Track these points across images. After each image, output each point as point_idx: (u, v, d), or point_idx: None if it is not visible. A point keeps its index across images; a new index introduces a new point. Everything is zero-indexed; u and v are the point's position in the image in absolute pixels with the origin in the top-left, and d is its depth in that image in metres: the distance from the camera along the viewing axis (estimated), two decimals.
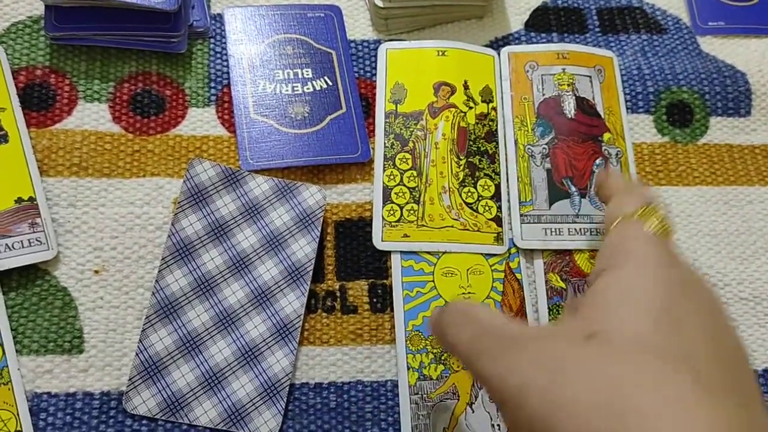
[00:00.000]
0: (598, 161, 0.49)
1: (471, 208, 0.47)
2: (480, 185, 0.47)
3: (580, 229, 0.47)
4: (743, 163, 0.51)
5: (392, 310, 0.44)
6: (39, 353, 0.40)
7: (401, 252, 0.45)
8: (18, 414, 0.39)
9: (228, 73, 0.48)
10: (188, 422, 0.40)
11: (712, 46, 0.55)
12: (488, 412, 0.42)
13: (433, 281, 0.45)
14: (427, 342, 0.43)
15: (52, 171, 0.44)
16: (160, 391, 0.40)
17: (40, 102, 0.46)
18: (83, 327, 0.41)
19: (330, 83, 0.49)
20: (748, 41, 0.55)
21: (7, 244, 0.41)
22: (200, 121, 0.47)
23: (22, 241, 0.41)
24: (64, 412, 0.40)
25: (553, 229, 0.46)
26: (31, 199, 0.42)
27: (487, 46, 0.52)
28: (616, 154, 0.49)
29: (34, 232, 0.42)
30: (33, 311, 0.41)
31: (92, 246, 0.43)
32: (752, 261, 0.48)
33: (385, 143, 0.48)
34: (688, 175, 0.50)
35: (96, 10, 0.46)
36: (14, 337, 0.40)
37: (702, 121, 0.52)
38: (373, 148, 0.48)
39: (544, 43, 0.53)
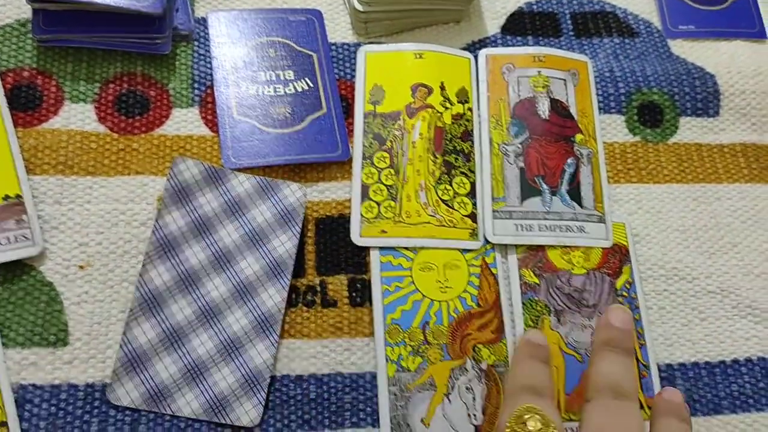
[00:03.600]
0: (569, 161, 0.50)
1: (447, 204, 0.48)
2: (456, 183, 0.49)
3: (550, 225, 0.48)
4: (712, 162, 0.53)
5: (371, 304, 0.45)
6: (24, 346, 0.41)
7: (380, 248, 0.47)
8: (3, 405, 0.40)
9: (211, 74, 0.50)
10: (171, 413, 0.41)
11: (682, 49, 0.57)
12: (464, 403, 0.44)
13: (411, 276, 0.46)
14: (405, 335, 0.45)
15: (39, 169, 0.45)
16: (143, 383, 0.41)
17: (27, 102, 0.47)
18: (68, 320, 0.42)
19: (311, 85, 0.50)
20: (717, 44, 0.57)
21: None
22: (184, 121, 0.48)
23: (8, 237, 0.42)
24: (48, 403, 0.40)
25: (524, 225, 0.48)
26: (18, 197, 0.43)
27: (464, 49, 0.54)
28: (588, 154, 0.51)
29: (20, 228, 0.43)
30: (19, 305, 0.42)
31: (77, 242, 0.44)
32: (720, 255, 0.50)
33: (363, 142, 0.49)
34: (659, 173, 0.52)
35: (82, 13, 0.47)
36: (0, 331, 0.41)
37: (672, 121, 0.54)
38: (353, 148, 0.49)
39: (519, 46, 0.55)
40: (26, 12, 0.49)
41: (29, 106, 0.47)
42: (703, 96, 0.55)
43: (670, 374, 0.46)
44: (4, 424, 0.39)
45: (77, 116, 0.47)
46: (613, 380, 0.39)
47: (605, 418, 0.38)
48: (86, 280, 0.43)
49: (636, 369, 0.42)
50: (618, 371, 0.39)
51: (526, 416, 0.37)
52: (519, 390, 0.39)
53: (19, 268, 0.43)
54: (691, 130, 0.54)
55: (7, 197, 0.43)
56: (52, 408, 0.40)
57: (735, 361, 0.47)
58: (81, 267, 0.44)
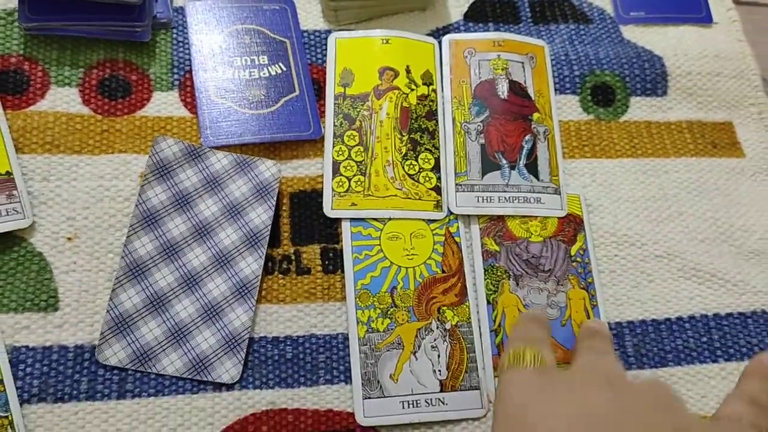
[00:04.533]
0: (527, 137, 0.54)
1: (413, 178, 0.51)
2: (421, 158, 0.52)
3: (509, 197, 0.52)
4: (660, 138, 0.57)
5: (343, 271, 0.49)
6: (17, 311, 0.44)
7: (350, 219, 0.50)
8: None
9: (190, 60, 0.53)
10: (156, 372, 0.44)
11: (633, 34, 0.60)
12: (429, 359, 0.47)
13: (379, 245, 0.50)
14: (375, 299, 0.48)
15: (27, 149, 0.48)
16: (129, 344, 0.44)
17: (15, 87, 0.50)
18: (58, 288, 0.45)
19: (284, 69, 0.54)
20: (665, 29, 0.61)
21: None
22: (164, 104, 0.51)
23: (0, 211, 0.45)
24: (41, 363, 0.43)
25: (484, 197, 0.52)
26: (8, 173, 0.46)
27: (429, 35, 0.57)
28: (544, 132, 0.55)
29: (11, 202, 0.46)
30: (11, 274, 0.45)
31: (65, 216, 0.47)
32: (666, 223, 0.54)
33: (334, 122, 0.52)
34: (611, 148, 0.56)
35: (66, 2, 0.50)
36: None
37: (623, 101, 0.58)
38: (324, 127, 0.52)
39: (481, 32, 0.58)
40: (12, 1, 0.51)
41: (17, 90, 0.49)
42: (652, 77, 0.58)
43: (620, 331, 0.50)
44: (0, 382, 0.42)
45: (63, 99, 0.50)
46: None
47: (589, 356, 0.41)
48: (74, 251, 0.46)
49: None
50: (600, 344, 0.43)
51: (524, 350, 0.39)
52: (517, 340, 0.42)
53: (11, 240, 0.46)
54: (641, 109, 0.58)
55: None
56: (44, 368, 0.43)
57: (679, 319, 0.51)
58: (69, 239, 0.46)
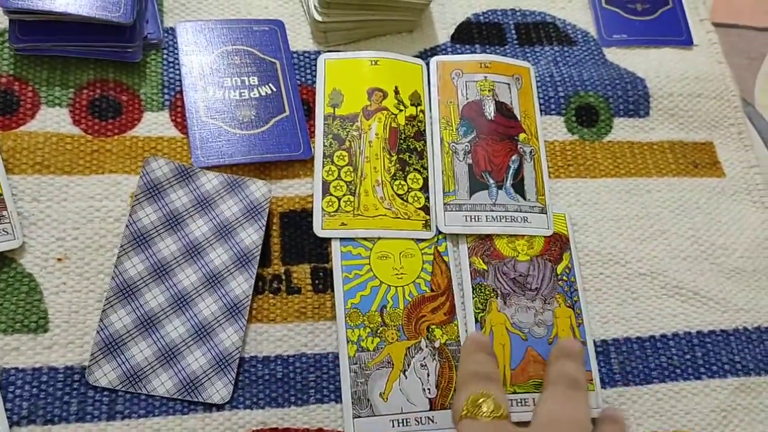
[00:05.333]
0: (513, 157, 0.55)
1: (402, 198, 0.52)
2: (410, 179, 0.53)
3: (497, 216, 0.53)
4: (642, 158, 0.58)
5: (333, 290, 0.49)
6: (6, 333, 0.44)
7: (340, 239, 0.50)
8: None
9: (180, 80, 0.53)
10: (146, 392, 0.44)
11: (615, 56, 0.62)
12: (419, 378, 0.48)
13: (369, 264, 0.50)
14: (365, 318, 0.48)
15: (17, 169, 0.48)
16: (120, 365, 0.44)
17: (5, 107, 0.50)
18: (48, 309, 0.45)
19: (274, 89, 0.54)
20: (647, 51, 0.63)
21: None
22: (155, 124, 0.52)
23: None
24: (30, 385, 0.43)
25: (472, 216, 0.52)
26: None
27: (416, 56, 0.58)
28: (530, 152, 0.56)
29: (0, 223, 0.45)
30: (1, 295, 0.45)
31: (55, 236, 0.47)
32: (650, 242, 0.55)
33: (324, 142, 0.53)
34: (595, 168, 0.57)
35: (57, 23, 0.50)
36: None
37: (606, 122, 0.59)
38: (314, 147, 0.53)
39: (468, 54, 0.59)
40: (3, 22, 0.52)
41: (7, 110, 0.50)
42: (634, 98, 0.60)
43: (605, 348, 0.51)
44: None
45: (53, 119, 0.50)
46: (568, 373, 0.46)
47: (558, 404, 0.44)
48: (64, 272, 0.46)
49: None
50: (572, 368, 0.46)
51: (480, 400, 0.43)
52: (471, 377, 0.45)
53: (1, 261, 0.46)
54: (624, 130, 0.59)
55: None
56: (34, 390, 0.43)
57: (663, 336, 0.52)
58: (59, 259, 0.47)
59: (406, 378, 0.47)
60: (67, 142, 0.50)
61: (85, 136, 0.50)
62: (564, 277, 0.52)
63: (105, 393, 0.44)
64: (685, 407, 0.49)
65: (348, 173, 0.52)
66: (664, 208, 0.56)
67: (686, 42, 0.64)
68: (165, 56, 0.54)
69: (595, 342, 0.51)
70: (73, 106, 0.51)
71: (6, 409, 0.42)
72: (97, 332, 0.45)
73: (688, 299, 0.53)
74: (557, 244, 0.53)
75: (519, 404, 0.48)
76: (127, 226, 0.48)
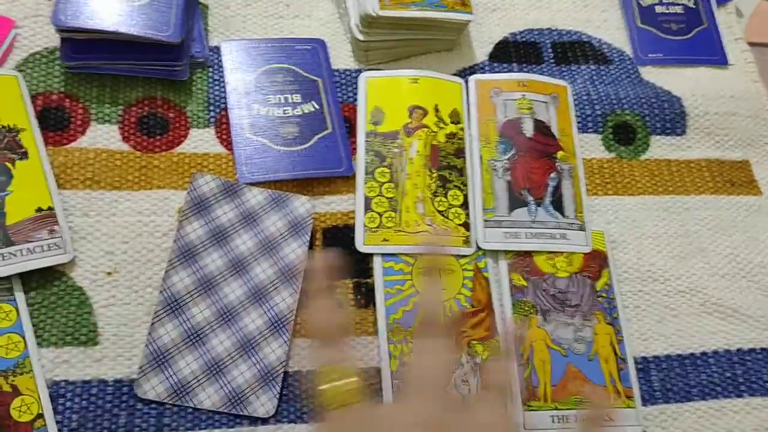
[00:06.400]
0: (552, 175, 0.55)
1: (442, 215, 0.53)
2: (450, 195, 0.53)
3: (536, 233, 0.53)
4: (680, 176, 0.58)
5: (374, 305, 0.50)
6: (57, 345, 0.45)
7: (382, 254, 0.51)
8: (39, 399, 0.43)
9: (225, 98, 0.54)
10: (193, 406, 0.45)
11: (651, 74, 0.62)
12: (461, 394, 0.48)
13: (411, 280, 0.51)
14: (407, 333, 0.49)
15: (68, 184, 0.49)
16: (167, 378, 0.45)
17: (57, 123, 0.51)
18: (97, 322, 0.46)
19: (317, 107, 0.55)
20: (683, 70, 0.63)
21: (28, 248, 0.45)
22: (201, 140, 0.53)
23: (42, 246, 0.46)
24: (80, 398, 0.44)
25: (512, 233, 0.53)
26: (50, 209, 0.47)
27: (455, 74, 0.59)
28: (568, 170, 0.56)
29: (52, 237, 0.46)
30: (52, 308, 0.46)
31: (104, 250, 0.48)
32: (689, 259, 0.55)
33: (366, 159, 0.54)
34: (633, 186, 0.57)
35: (107, 42, 0.52)
36: (35, 332, 0.45)
37: (643, 140, 0.59)
38: (356, 164, 0.54)
39: (505, 72, 0.60)
40: (54, 40, 0.53)
41: (58, 126, 0.51)
42: (671, 117, 0.60)
43: (645, 366, 0.51)
44: (41, 416, 0.43)
45: (103, 136, 0.51)
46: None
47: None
48: (113, 285, 0.47)
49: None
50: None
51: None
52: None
53: (52, 275, 0.47)
54: (660, 148, 0.59)
55: (40, 209, 0.47)
56: (84, 402, 0.44)
57: (704, 354, 0.52)
58: (109, 273, 0.47)
59: None
60: (116, 158, 0.51)
61: (133, 152, 0.51)
62: (603, 294, 0.52)
63: (153, 406, 0.45)
64: (726, 425, 0.49)
65: (389, 190, 0.53)
66: (702, 226, 0.56)
67: (721, 61, 0.64)
68: (210, 74, 0.55)
69: (635, 359, 0.51)
70: (122, 123, 0.52)
71: (56, 422, 0.43)
72: (146, 345, 0.46)
73: (727, 317, 0.53)
74: (596, 261, 0.53)
75: (560, 421, 0.48)
76: (174, 240, 0.48)
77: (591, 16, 0.64)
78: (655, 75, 0.62)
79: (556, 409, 0.48)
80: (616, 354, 0.51)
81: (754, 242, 0.56)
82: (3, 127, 0.48)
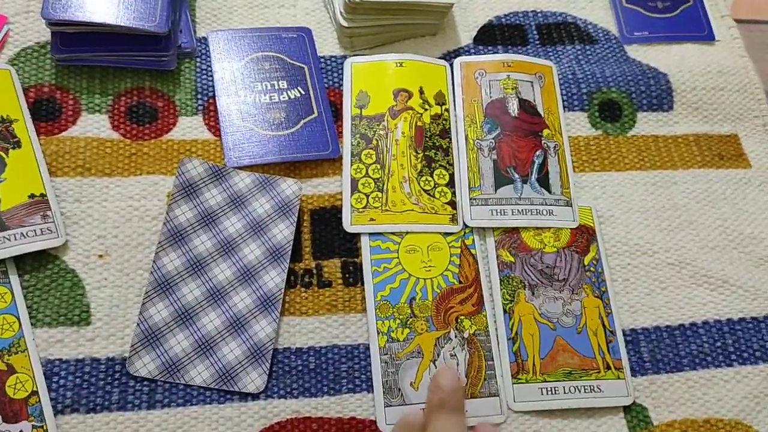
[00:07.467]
0: (538, 152, 0.56)
1: (428, 194, 0.53)
2: (436, 174, 0.54)
3: (522, 209, 0.53)
4: (668, 151, 0.58)
5: (362, 284, 0.50)
6: (51, 326, 0.46)
7: (369, 234, 0.52)
8: (34, 377, 0.44)
9: (213, 86, 0.55)
10: (184, 382, 0.46)
11: (637, 52, 0.63)
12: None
13: (398, 257, 0.51)
14: (394, 310, 0.49)
15: (60, 172, 0.50)
16: (159, 356, 0.46)
17: (48, 114, 0.52)
18: (90, 303, 0.47)
19: (303, 92, 0.56)
20: (669, 47, 0.63)
21: (22, 233, 0.47)
22: (189, 128, 0.54)
23: (35, 230, 0.47)
24: (74, 375, 0.45)
25: (498, 210, 0.53)
26: (42, 195, 0.48)
27: (440, 58, 0.60)
28: (554, 147, 0.56)
29: (45, 222, 0.48)
30: (45, 290, 0.47)
31: (96, 235, 0.49)
32: (677, 232, 0.55)
33: (352, 142, 0.55)
34: (620, 162, 0.57)
35: (96, 34, 0.53)
36: (29, 312, 0.46)
37: (630, 116, 0.59)
38: (342, 146, 0.54)
39: (491, 54, 0.61)
40: (45, 35, 0.54)
41: (50, 117, 0.52)
42: (657, 93, 0.60)
43: (634, 337, 0.51)
44: (35, 393, 0.44)
45: (93, 125, 0.52)
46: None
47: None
48: (105, 268, 0.48)
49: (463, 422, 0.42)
50: (449, 428, 0.41)
51: None
52: None
53: (45, 258, 0.48)
54: (647, 124, 0.59)
55: (32, 196, 0.48)
56: (77, 379, 0.45)
57: (693, 324, 0.52)
58: (100, 256, 0.49)
59: (436, 367, 0.48)
60: (106, 146, 0.52)
61: (123, 140, 0.52)
62: (591, 268, 0.53)
63: (145, 383, 0.46)
64: (717, 394, 0.49)
65: (375, 171, 0.53)
66: (690, 199, 0.56)
67: (708, 37, 0.64)
68: (198, 64, 0.56)
69: (624, 331, 0.51)
70: (112, 113, 0.53)
71: (51, 399, 0.44)
72: (137, 325, 0.47)
73: (717, 288, 0.53)
74: (584, 236, 0.54)
75: (549, 392, 0.48)
76: (164, 223, 0.49)
77: None
78: (641, 53, 0.63)
79: (545, 381, 0.49)
80: (604, 327, 0.51)
81: (744, 214, 0.56)
82: None
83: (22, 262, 0.47)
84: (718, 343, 0.51)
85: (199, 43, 0.57)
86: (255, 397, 0.46)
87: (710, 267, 0.54)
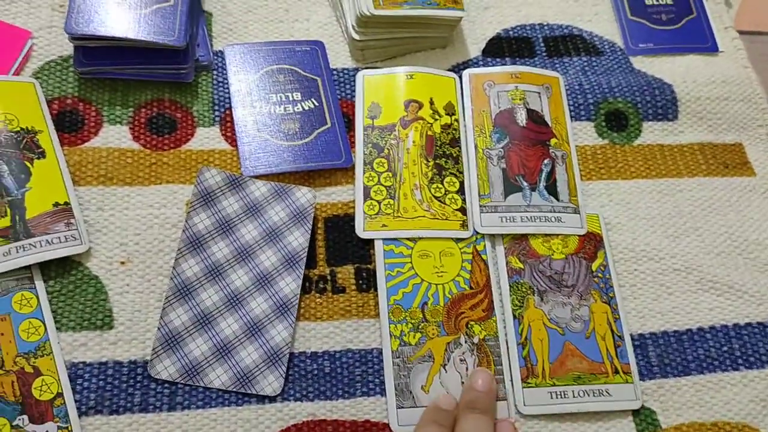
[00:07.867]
0: (546, 161, 0.57)
1: (439, 201, 0.55)
2: (446, 182, 0.55)
3: (531, 217, 0.55)
4: (673, 160, 0.60)
5: (376, 289, 0.52)
6: (75, 330, 0.47)
7: (382, 239, 0.53)
8: (59, 379, 0.45)
9: (229, 98, 0.57)
10: (204, 385, 0.47)
11: (642, 64, 0.64)
12: (458, 372, 0.49)
13: (410, 262, 0.52)
14: (406, 314, 0.51)
15: (83, 181, 0.52)
16: (179, 360, 0.47)
17: (71, 125, 0.54)
18: (113, 308, 0.49)
19: (317, 104, 0.58)
20: (674, 59, 0.65)
21: (47, 240, 0.48)
22: (207, 138, 0.55)
23: (59, 237, 0.49)
24: (97, 378, 0.46)
25: (507, 217, 0.55)
26: (66, 204, 0.50)
27: (450, 70, 0.61)
28: (562, 156, 0.58)
29: (69, 230, 0.49)
30: (69, 296, 0.48)
31: (118, 242, 0.51)
32: (683, 238, 0.56)
33: (364, 151, 0.56)
34: (626, 170, 0.59)
35: (117, 48, 0.55)
36: (54, 317, 0.47)
37: (636, 126, 0.61)
38: (354, 156, 0.56)
39: (499, 66, 0.62)
40: (68, 49, 0.56)
41: (73, 128, 0.54)
42: (662, 103, 0.62)
43: (642, 342, 0.52)
44: (60, 395, 0.45)
45: (114, 136, 0.54)
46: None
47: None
48: (127, 274, 0.50)
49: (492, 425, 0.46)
50: (477, 428, 0.45)
51: None
52: None
53: (69, 264, 0.49)
54: (653, 133, 0.61)
55: (57, 204, 0.50)
56: (101, 382, 0.46)
57: (700, 329, 0.53)
58: (122, 263, 0.50)
59: (446, 372, 0.49)
60: (127, 156, 0.54)
61: (144, 151, 0.54)
62: (599, 274, 0.54)
63: (165, 385, 0.47)
64: (724, 398, 0.50)
65: (387, 178, 0.55)
66: (696, 206, 0.58)
67: (712, 49, 0.65)
68: (215, 77, 0.58)
69: (632, 336, 0.52)
70: (133, 124, 0.55)
71: (75, 400, 0.45)
72: (158, 329, 0.48)
73: (723, 293, 0.54)
74: (591, 243, 0.55)
75: (558, 396, 0.49)
76: (183, 231, 0.51)
77: (582, 11, 0.67)
78: (646, 64, 0.64)
79: (554, 385, 0.50)
80: (612, 331, 0.52)
81: (749, 221, 0.57)
82: (22, 129, 0.52)
83: (47, 268, 0.49)
84: (725, 348, 0.52)
85: (215, 57, 0.59)
86: (272, 399, 0.47)
87: (716, 273, 0.55)
